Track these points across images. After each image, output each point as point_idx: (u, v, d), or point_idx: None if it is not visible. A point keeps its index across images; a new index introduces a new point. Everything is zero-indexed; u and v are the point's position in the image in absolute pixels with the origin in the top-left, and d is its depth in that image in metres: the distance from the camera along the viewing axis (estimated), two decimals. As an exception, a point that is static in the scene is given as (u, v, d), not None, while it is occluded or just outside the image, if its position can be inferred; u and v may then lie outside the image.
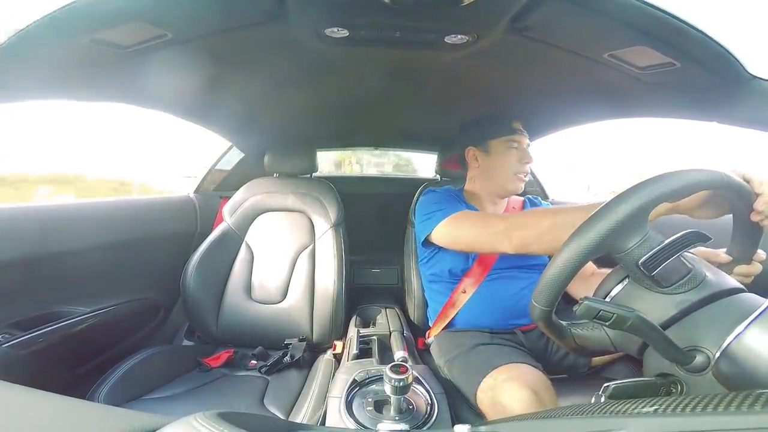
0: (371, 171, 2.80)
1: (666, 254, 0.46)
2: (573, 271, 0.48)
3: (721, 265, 0.59)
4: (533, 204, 1.24)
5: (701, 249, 0.61)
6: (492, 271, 1.06)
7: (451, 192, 1.15)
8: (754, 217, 0.53)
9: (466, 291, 1.07)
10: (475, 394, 0.82)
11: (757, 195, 0.52)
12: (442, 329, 1.11)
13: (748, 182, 0.52)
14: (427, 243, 1.07)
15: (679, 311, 0.46)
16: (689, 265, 0.48)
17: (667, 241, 0.46)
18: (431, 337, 1.14)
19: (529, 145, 1.12)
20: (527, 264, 1.08)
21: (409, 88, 1.21)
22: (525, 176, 1.11)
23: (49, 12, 0.64)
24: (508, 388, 0.74)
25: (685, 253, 0.49)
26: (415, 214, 1.18)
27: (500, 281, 1.06)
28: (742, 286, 0.49)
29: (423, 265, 1.21)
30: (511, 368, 0.81)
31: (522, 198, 1.25)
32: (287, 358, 1.20)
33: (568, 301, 0.77)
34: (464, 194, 1.19)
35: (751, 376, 0.38)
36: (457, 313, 1.08)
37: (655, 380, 0.48)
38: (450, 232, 1.00)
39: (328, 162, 2.79)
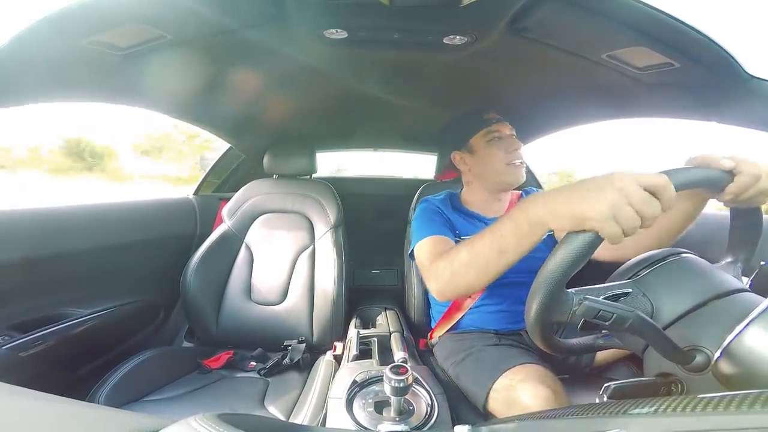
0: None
1: (591, 325, 0.46)
2: (542, 326, 0.50)
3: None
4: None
5: (702, 156, 0.53)
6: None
7: (445, 202, 1.09)
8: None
9: (473, 296, 1.05)
10: (488, 394, 0.82)
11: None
12: (446, 331, 1.10)
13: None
14: (412, 257, 1.01)
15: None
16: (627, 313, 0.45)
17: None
18: (435, 339, 1.13)
19: (513, 132, 1.05)
20: (535, 267, 1.02)
21: (408, 89, 1.22)
22: (519, 163, 1.03)
23: (47, 13, 0.64)
24: (526, 387, 0.74)
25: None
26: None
27: (507, 287, 1.00)
28: (743, 286, 0.49)
29: None
30: (526, 368, 0.80)
31: (519, 192, 1.18)
32: (286, 360, 1.20)
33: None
34: (461, 200, 1.15)
35: (751, 375, 0.38)
36: (462, 316, 1.07)
37: (656, 380, 0.48)
38: (417, 258, 0.94)
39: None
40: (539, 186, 1.82)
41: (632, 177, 0.45)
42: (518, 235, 0.57)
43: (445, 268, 0.74)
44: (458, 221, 1.05)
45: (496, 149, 1.03)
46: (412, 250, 0.98)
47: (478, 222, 1.09)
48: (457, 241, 0.96)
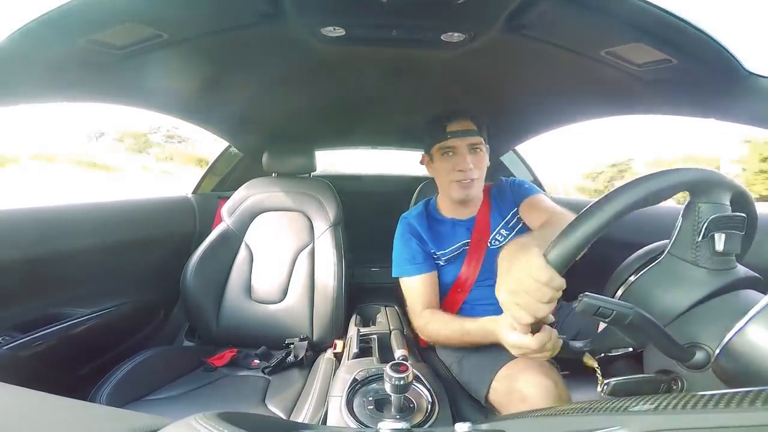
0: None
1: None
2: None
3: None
4: (499, 190, 1.15)
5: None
6: (479, 281, 1.05)
7: (421, 217, 1.12)
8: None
9: (461, 294, 1.07)
10: (490, 385, 0.83)
11: None
12: None
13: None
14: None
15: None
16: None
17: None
18: None
19: (475, 147, 1.03)
20: None
21: (406, 86, 1.21)
22: (467, 181, 1.02)
23: (44, 13, 0.64)
24: (527, 375, 0.75)
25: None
26: None
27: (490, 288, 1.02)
28: (745, 275, 0.49)
29: None
30: (527, 359, 0.81)
31: (488, 185, 1.16)
32: (290, 358, 1.20)
33: (568, 298, 0.77)
34: (437, 206, 1.18)
35: (751, 372, 0.38)
36: (459, 311, 1.07)
37: (656, 377, 0.48)
38: (404, 293, 1.09)
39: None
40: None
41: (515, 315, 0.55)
42: (480, 338, 0.83)
43: (429, 336, 1.00)
44: (434, 237, 1.10)
45: (446, 164, 1.05)
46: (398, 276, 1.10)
47: (451, 227, 1.11)
48: (434, 257, 1.08)
